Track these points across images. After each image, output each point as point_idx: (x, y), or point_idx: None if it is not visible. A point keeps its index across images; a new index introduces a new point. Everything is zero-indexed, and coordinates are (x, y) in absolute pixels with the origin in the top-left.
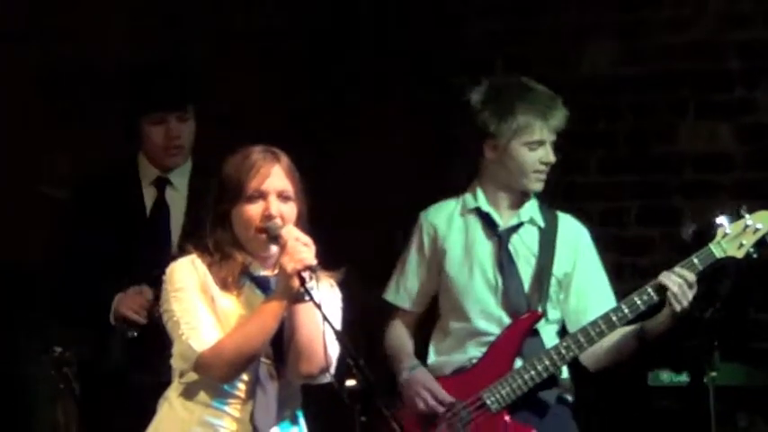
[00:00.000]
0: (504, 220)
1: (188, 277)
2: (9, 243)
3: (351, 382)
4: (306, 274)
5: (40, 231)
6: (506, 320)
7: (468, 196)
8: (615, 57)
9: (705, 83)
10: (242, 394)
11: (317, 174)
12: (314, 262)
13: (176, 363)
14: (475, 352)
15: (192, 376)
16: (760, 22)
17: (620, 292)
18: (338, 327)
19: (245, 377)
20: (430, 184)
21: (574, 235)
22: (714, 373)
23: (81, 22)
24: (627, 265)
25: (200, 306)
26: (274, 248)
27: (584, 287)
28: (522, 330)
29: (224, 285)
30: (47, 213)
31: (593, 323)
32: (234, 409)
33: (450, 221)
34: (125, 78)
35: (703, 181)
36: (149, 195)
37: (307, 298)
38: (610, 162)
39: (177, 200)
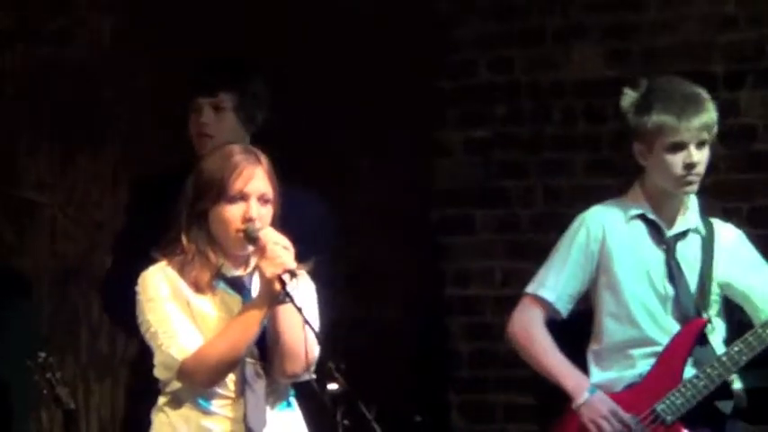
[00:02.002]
0: (669, 226)
1: (159, 285)
2: None
3: (333, 386)
4: (286, 277)
5: (23, 236)
6: (675, 331)
7: (629, 201)
8: (600, 59)
9: None
10: (232, 394)
11: (301, 177)
12: (294, 265)
13: (159, 373)
14: (645, 366)
15: (177, 384)
16: (744, 25)
17: None
18: (316, 321)
19: (232, 377)
20: (415, 187)
21: (731, 241)
22: None
23: (67, 25)
24: None
25: (175, 313)
26: (250, 248)
27: (753, 285)
28: (691, 338)
29: (197, 288)
30: (28, 218)
31: (765, 324)
32: (226, 409)
33: (616, 225)
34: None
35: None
36: None
37: (288, 300)
38: (594, 164)
39: None
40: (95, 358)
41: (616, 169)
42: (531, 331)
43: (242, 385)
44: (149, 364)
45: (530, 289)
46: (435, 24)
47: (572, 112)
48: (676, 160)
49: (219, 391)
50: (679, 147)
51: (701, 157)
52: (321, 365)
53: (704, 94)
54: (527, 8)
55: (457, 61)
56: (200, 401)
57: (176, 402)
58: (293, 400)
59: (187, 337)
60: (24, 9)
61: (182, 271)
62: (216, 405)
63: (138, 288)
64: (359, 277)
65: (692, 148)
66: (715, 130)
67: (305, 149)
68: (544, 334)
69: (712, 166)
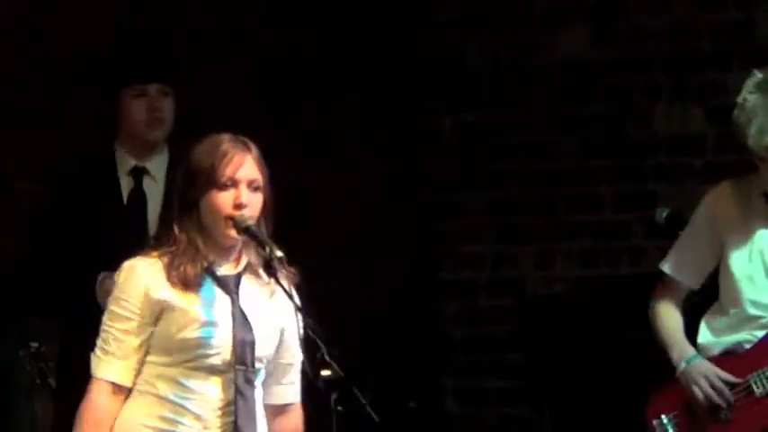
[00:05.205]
0: None
1: (132, 291)
2: None
3: (326, 373)
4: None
5: (15, 228)
6: None
7: (755, 179)
8: (588, 40)
9: (678, 65)
10: (220, 403)
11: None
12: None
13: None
14: (747, 336)
15: (167, 358)
16: (731, 5)
17: (596, 280)
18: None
19: (219, 385)
20: (406, 172)
21: None
22: None
23: (54, 20)
24: (601, 251)
25: (123, 333)
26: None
27: None
28: None
29: (185, 282)
30: (22, 209)
31: None
32: (198, 407)
33: (736, 203)
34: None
35: (677, 164)
36: (126, 185)
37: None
38: (584, 146)
39: (154, 190)
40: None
41: (606, 150)
42: (654, 307)
43: (230, 392)
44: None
45: (660, 265)
46: (422, 8)
47: (560, 93)
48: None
49: (197, 391)
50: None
51: None
52: (314, 352)
53: None
54: None
55: (444, 45)
56: (170, 394)
57: (154, 384)
58: None
59: (114, 365)
60: (12, 5)
61: (171, 264)
62: (184, 400)
63: (118, 275)
64: (351, 263)
65: None
66: None
67: (294, 134)
68: (665, 310)
69: (702, 146)
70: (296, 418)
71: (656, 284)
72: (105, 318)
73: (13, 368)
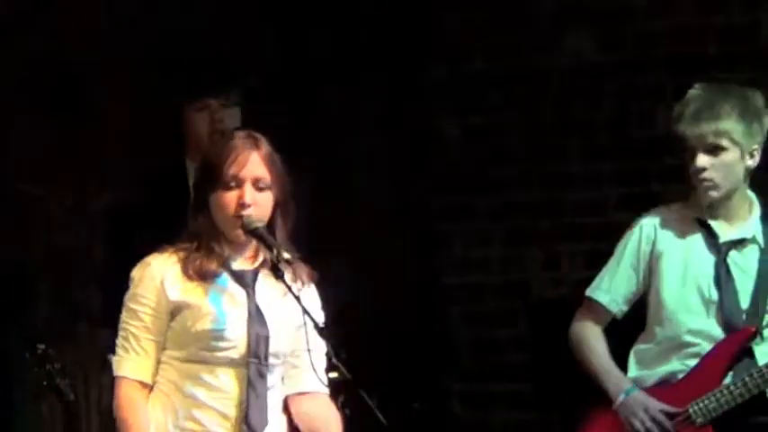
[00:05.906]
0: (724, 232)
1: (147, 286)
2: None
3: (333, 375)
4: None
5: (16, 227)
6: (716, 336)
7: (689, 205)
8: (594, 43)
9: (683, 68)
10: (232, 394)
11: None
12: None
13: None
14: (679, 365)
15: (182, 352)
16: (736, 8)
17: None
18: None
19: (234, 375)
20: (413, 175)
21: None
22: None
23: (63, 21)
24: (606, 254)
25: (144, 329)
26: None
27: None
28: (736, 346)
29: (201, 275)
30: (22, 209)
31: None
32: (223, 405)
33: (670, 228)
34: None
35: (682, 166)
36: None
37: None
38: (590, 149)
39: None
40: (95, 349)
41: (612, 153)
42: (581, 333)
43: (246, 386)
44: None
45: (587, 291)
46: (428, 11)
47: (566, 96)
48: (693, 165)
49: (222, 388)
50: (693, 151)
51: (709, 161)
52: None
53: (730, 99)
54: None
55: (451, 48)
56: (196, 392)
57: (173, 383)
58: None
59: (134, 362)
60: (22, 5)
61: (187, 259)
62: (210, 398)
63: (133, 272)
64: (358, 265)
65: (700, 153)
66: (736, 135)
67: (300, 139)
68: (593, 336)
69: None
70: (324, 406)
71: (579, 308)
72: (123, 316)
73: (14, 368)
